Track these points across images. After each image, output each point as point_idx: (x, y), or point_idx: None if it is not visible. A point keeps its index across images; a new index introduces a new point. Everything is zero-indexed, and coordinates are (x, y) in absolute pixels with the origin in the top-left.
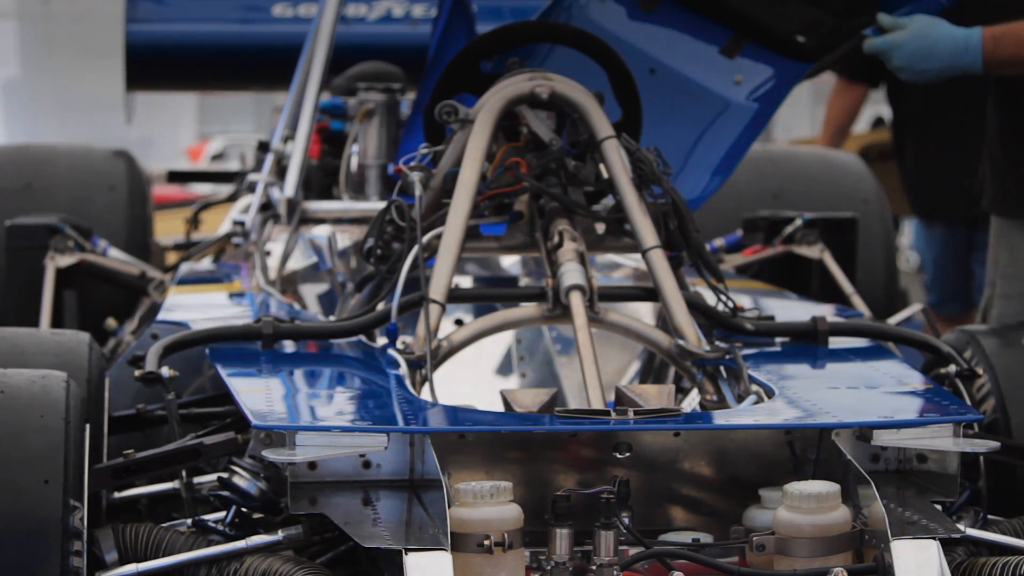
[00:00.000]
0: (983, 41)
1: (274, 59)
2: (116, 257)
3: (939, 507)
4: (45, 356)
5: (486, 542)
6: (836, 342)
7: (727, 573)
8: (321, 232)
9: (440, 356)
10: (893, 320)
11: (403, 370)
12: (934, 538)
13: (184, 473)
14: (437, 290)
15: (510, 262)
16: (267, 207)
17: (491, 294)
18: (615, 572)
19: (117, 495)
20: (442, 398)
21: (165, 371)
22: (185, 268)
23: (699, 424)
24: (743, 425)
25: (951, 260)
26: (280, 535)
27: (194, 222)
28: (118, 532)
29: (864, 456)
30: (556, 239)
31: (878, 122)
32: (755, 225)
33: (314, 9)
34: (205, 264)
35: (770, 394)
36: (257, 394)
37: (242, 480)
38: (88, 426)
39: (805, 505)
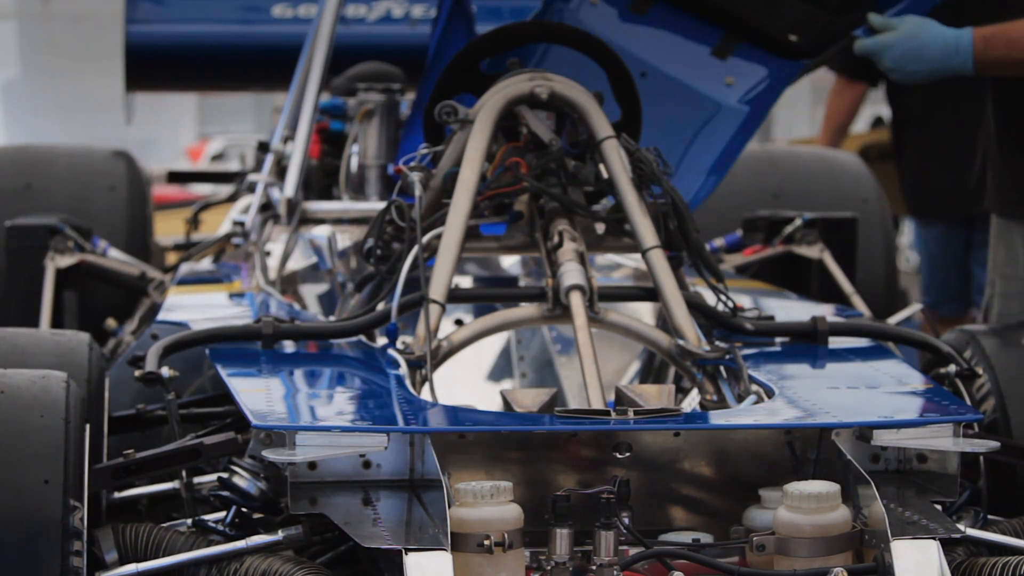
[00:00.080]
0: (974, 42)
1: (274, 59)
2: (116, 257)
3: (939, 507)
4: (45, 356)
5: (486, 542)
6: (836, 342)
7: (727, 573)
8: (321, 232)
9: (440, 356)
10: (893, 320)
11: (403, 370)
12: (934, 538)
13: (184, 473)
14: (437, 290)
15: (510, 262)
16: (267, 207)
17: (491, 294)
18: (615, 572)
19: (117, 495)
20: (442, 398)
21: (165, 371)
22: (185, 268)
23: (699, 424)
24: (743, 425)
25: (949, 260)
26: (280, 535)
27: (194, 222)
28: (118, 532)
29: (864, 456)
30: (556, 239)
31: (878, 122)
32: (755, 225)
33: (314, 9)
34: (205, 264)
35: (770, 394)
36: (257, 394)
37: (242, 480)
38: (88, 426)
39: (805, 505)
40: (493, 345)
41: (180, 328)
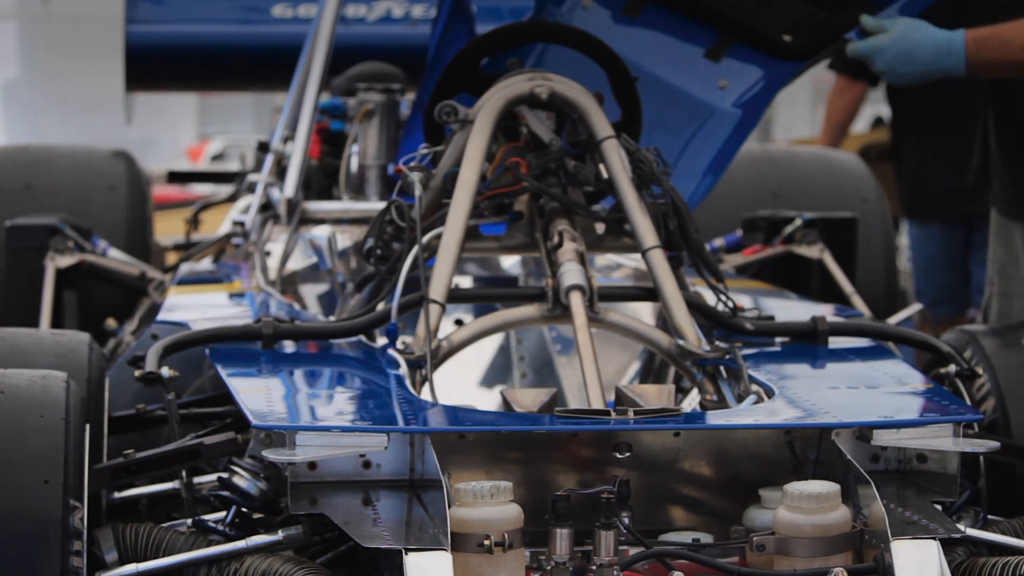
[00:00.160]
0: (966, 44)
1: (274, 59)
2: (116, 257)
3: (939, 507)
4: (45, 356)
5: (486, 542)
6: (836, 342)
7: (727, 573)
8: (321, 232)
9: (440, 356)
10: (893, 320)
11: (403, 370)
12: (934, 538)
13: (184, 473)
14: (437, 290)
15: (510, 262)
16: (267, 207)
17: (491, 294)
18: (615, 572)
19: (117, 495)
20: (442, 398)
21: (165, 371)
22: (185, 268)
23: (699, 424)
24: (743, 425)
25: (947, 260)
26: (280, 535)
27: (194, 222)
28: (118, 532)
29: (864, 456)
30: (556, 239)
31: (878, 122)
32: (755, 225)
33: (314, 10)
34: (205, 264)
35: (770, 394)
36: (257, 394)
37: (242, 480)
38: (88, 426)
39: (805, 505)
40: (493, 345)
41: (180, 328)
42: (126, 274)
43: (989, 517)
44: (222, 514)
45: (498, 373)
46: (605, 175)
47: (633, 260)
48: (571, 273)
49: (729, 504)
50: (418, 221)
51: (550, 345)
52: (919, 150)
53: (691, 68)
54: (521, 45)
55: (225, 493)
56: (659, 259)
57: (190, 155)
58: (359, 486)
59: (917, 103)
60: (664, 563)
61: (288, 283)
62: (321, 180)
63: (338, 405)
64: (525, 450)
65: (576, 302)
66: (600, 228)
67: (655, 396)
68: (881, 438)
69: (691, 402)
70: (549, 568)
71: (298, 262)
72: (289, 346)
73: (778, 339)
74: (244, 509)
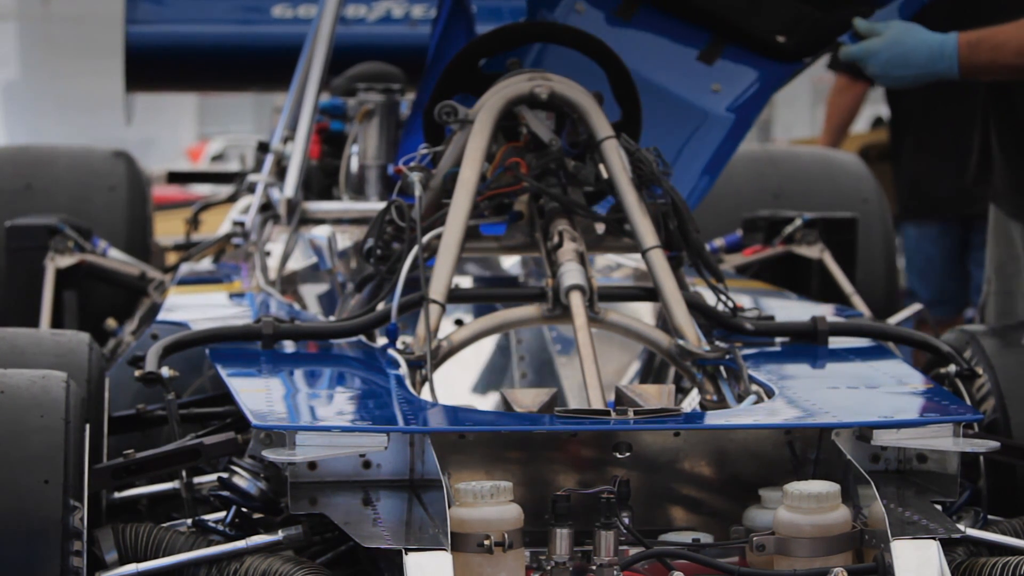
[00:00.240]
0: (959, 47)
1: (274, 60)
2: (116, 257)
3: (939, 507)
4: (45, 356)
5: (486, 542)
6: (836, 342)
7: (727, 573)
8: (321, 232)
9: (440, 356)
10: (893, 320)
11: (403, 370)
12: (934, 538)
13: (184, 473)
14: (437, 290)
15: (510, 262)
16: (267, 207)
17: (491, 294)
18: (615, 572)
19: (117, 495)
20: (442, 398)
21: (165, 371)
22: (185, 268)
23: (699, 424)
24: (743, 425)
25: (945, 261)
26: (280, 535)
27: (194, 223)
28: (118, 532)
29: (864, 456)
30: (556, 239)
31: (878, 122)
32: (755, 225)
33: (313, 10)
34: (205, 264)
35: (770, 394)
36: (257, 394)
37: (242, 480)
38: (88, 426)
39: (805, 505)
40: (493, 345)
41: (180, 328)
42: (126, 274)
43: (989, 517)
44: (222, 514)
45: (498, 373)
46: (605, 175)
47: (633, 260)
48: (571, 273)
49: (729, 504)
50: (418, 221)
51: (550, 345)
52: (918, 150)
53: (684, 72)
54: (521, 45)
55: (225, 493)
56: (659, 259)
57: (190, 155)
58: (359, 486)
59: (916, 103)
60: (664, 563)
61: (288, 283)
62: (321, 180)
63: (338, 405)
64: (525, 450)
65: (576, 302)
66: (600, 228)
67: (655, 396)
68: (881, 438)
69: (691, 402)
70: (549, 568)
71: (298, 262)
72: (289, 346)
73: (778, 339)
74: (244, 509)
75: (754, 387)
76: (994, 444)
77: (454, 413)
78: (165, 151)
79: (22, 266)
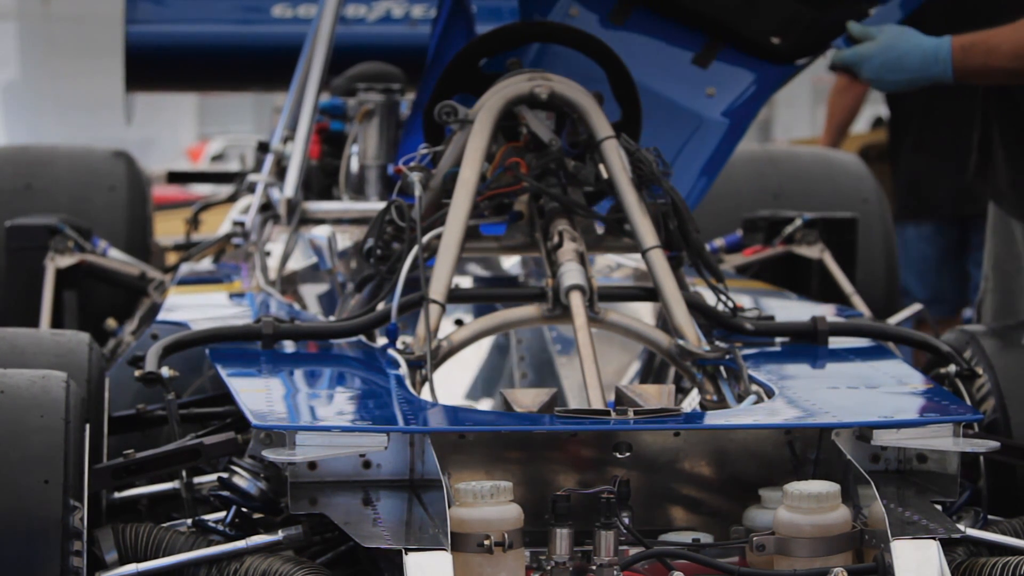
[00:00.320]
0: (952, 51)
1: (274, 59)
2: (116, 257)
3: (939, 507)
4: (45, 356)
5: (486, 542)
6: (836, 342)
7: (727, 573)
8: (321, 232)
9: (440, 356)
10: (893, 320)
11: (403, 370)
12: (934, 538)
13: (184, 473)
14: (437, 290)
15: (510, 262)
16: (267, 207)
17: (491, 294)
18: (615, 572)
19: (117, 495)
20: (442, 398)
21: (165, 371)
22: (185, 268)
23: (699, 424)
24: (743, 425)
25: (941, 260)
26: (280, 535)
27: (194, 223)
28: (118, 532)
29: (864, 456)
30: (556, 239)
31: (878, 122)
32: (755, 225)
33: (314, 9)
34: (205, 264)
35: (770, 394)
36: (257, 394)
37: (242, 480)
38: (88, 426)
39: (805, 505)
40: (493, 345)
41: (180, 328)
42: (126, 274)
43: (989, 517)
44: (222, 514)
45: (498, 373)
46: (605, 175)
47: (633, 260)
48: (571, 273)
49: (729, 504)
50: (418, 221)
51: (550, 345)
52: (916, 149)
53: (679, 76)
54: (521, 45)
55: (225, 493)
56: (659, 259)
57: (190, 155)
58: (359, 486)
59: (916, 103)
60: (664, 563)
61: (288, 283)
62: (321, 180)
63: (338, 405)
64: (525, 450)
65: (576, 302)
66: (600, 228)
67: (655, 396)
68: (881, 438)
69: (691, 402)
70: (549, 568)
71: (298, 262)
72: (289, 346)
73: (778, 339)
74: (244, 509)
75: (754, 387)
76: (994, 444)
77: (454, 413)
78: (165, 151)
79: (22, 266)
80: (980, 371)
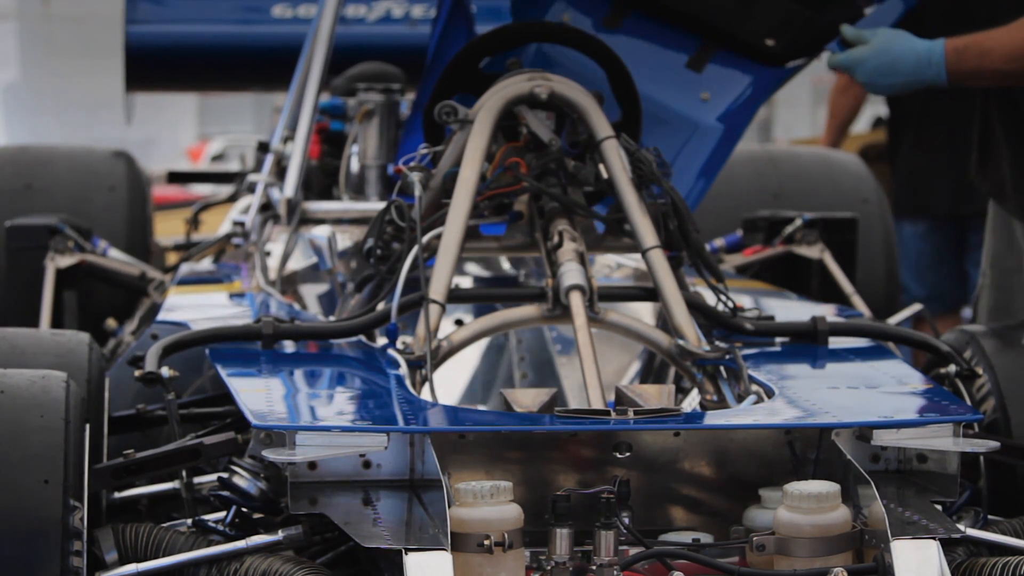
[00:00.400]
0: (946, 54)
1: (274, 60)
2: (116, 257)
3: (939, 507)
4: (45, 356)
5: (486, 542)
6: (836, 342)
7: (727, 573)
8: (321, 232)
9: (440, 356)
10: (893, 320)
11: (403, 370)
12: (934, 538)
13: (184, 473)
14: (437, 290)
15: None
16: (267, 207)
17: (491, 294)
18: (615, 572)
19: (117, 495)
20: (442, 398)
21: (165, 371)
22: (185, 269)
23: (699, 424)
24: (743, 425)
25: (938, 258)
26: (280, 535)
27: (194, 223)
28: (118, 532)
29: (864, 456)
30: (556, 239)
31: (878, 122)
32: (755, 225)
33: (314, 9)
34: (205, 265)
35: (770, 394)
36: (257, 394)
37: (242, 480)
38: (88, 426)
39: (805, 505)
40: (493, 345)
41: (180, 328)
42: (126, 274)
43: (989, 517)
44: (222, 514)
45: (498, 373)
46: (605, 175)
47: (633, 260)
48: (571, 273)
49: (729, 504)
50: (418, 221)
51: (550, 345)
52: (915, 147)
53: (674, 81)
54: (521, 45)
55: (225, 493)
56: (659, 259)
57: (190, 155)
58: (359, 486)
59: (915, 100)
60: (664, 563)
61: (288, 283)
62: (321, 180)
63: (338, 405)
64: (525, 450)
65: (576, 302)
66: (600, 228)
67: (655, 396)
68: (881, 438)
69: (691, 402)
70: (549, 568)
71: (298, 262)
72: (289, 346)
73: (778, 339)
74: (244, 509)
75: (754, 387)
76: (994, 444)
77: (454, 413)
78: (165, 151)
79: (22, 266)
80: (980, 371)
